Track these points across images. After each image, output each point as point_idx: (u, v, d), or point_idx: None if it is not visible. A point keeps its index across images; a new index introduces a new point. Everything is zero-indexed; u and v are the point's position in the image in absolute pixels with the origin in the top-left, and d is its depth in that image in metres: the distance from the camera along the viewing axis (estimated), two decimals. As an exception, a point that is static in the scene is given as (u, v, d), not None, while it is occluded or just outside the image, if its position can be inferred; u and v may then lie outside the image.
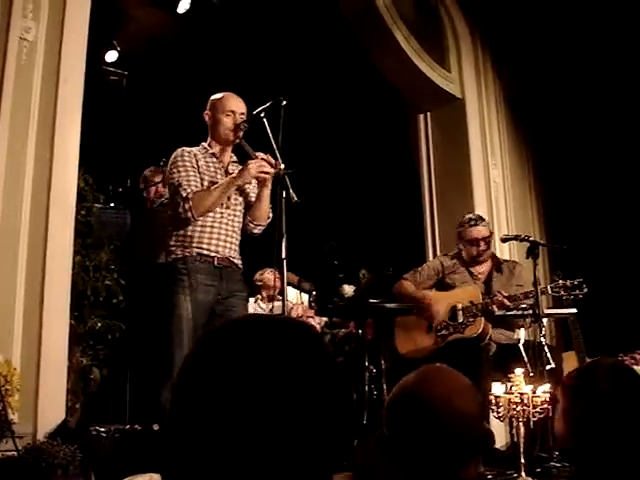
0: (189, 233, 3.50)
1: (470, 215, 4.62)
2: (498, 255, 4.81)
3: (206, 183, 3.55)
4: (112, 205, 4.73)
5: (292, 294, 5.57)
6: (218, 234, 3.53)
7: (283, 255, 3.39)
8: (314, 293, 5.65)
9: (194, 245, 3.48)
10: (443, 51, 6.24)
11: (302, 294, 5.73)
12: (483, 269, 4.53)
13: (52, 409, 3.38)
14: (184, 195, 3.46)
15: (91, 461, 3.12)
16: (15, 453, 3.01)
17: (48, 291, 3.48)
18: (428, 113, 6.32)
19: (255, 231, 3.74)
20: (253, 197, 3.71)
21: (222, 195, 3.53)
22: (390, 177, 6.78)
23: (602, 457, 1.71)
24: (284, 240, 3.39)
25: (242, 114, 3.64)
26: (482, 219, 4.58)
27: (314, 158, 6.35)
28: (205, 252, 3.49)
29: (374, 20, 5.65)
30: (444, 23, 6.27)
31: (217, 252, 3.51)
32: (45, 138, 3.62)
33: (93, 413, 4.10)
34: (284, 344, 0.84)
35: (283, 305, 3.49)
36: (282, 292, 3.53)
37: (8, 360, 3.17)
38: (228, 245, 3.57)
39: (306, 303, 5.65)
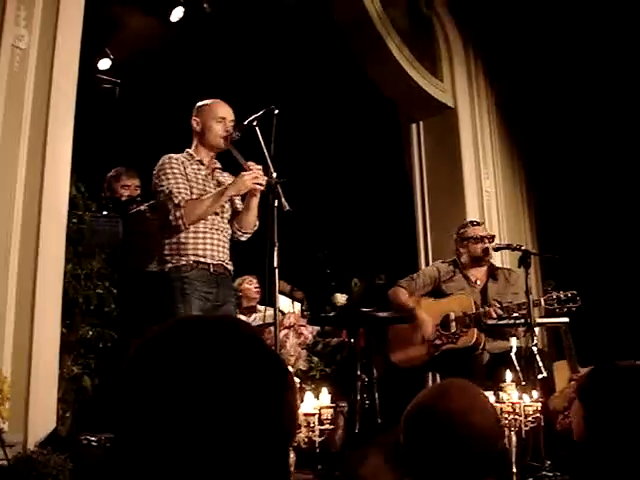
0: (182, 240, 3.52)
1: (470, 219, 4.74)
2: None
3: (195, 190, 3.57)
4: (104, 213, 4.71)
5: (285, 303, 5.55)
6: (211, 240, 3.56)
7: (275, 264, 3.39)
8: (306, 302, 5.65)
9: (189, 252, 3.50)
10: (435, 60, 6.27)
11: (294, 303, 5.72)
12: (480, 274, 4.53)
13: (43, 418, 3.36)
14: (176, 202, 3.49)
15: (82, 470, 3.10)
16: (5, 462, 2.99)
17: (39, 299, 3.46)
18: (421, 122, 6.34)
19: (242, 238, 3.77)
20: (239, 205, 3.73)
21: (214, 205, 3.54)
22: (383, 186, 6.78)
23: (614, 458, 1.69)
24: (276, 249, 3.39)
25: (232, 121, 3.67)
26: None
27: (306, 167, 6.35)
28: (201, 259, 3.51)
29: (367, 30, 5.67)
30: (437, 32, 6.30)
31: (212, 257, 3.54)
32: (37, 146, 3.60)
33: (84, 422, 4.07)
34: (215, 345, 0.85)
35: (275, 314, 3.46)
36: (273, 301, 3.50)
37: (-2, 368, 3.15)
38: (221, 250, 3.60)
39: (298, 312, 5.63)
